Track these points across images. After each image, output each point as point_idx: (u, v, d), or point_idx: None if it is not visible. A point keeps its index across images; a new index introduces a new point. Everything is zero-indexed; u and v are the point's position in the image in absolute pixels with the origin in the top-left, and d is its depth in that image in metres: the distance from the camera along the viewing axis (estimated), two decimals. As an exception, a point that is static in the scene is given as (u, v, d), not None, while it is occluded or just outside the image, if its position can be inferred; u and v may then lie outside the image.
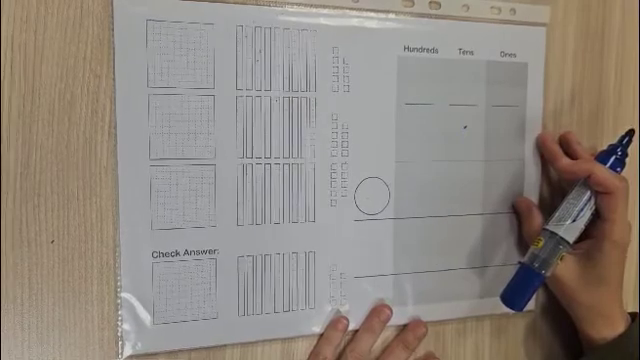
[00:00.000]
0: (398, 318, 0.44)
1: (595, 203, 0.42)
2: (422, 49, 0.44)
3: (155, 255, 0.38)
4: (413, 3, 0.43)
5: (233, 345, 0.40)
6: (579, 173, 0.42)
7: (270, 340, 0.41)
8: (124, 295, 0.38)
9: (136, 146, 0.37)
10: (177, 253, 0.39)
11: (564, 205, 0.43)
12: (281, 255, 0.41)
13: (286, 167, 0.41)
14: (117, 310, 0.38)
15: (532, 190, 0.48)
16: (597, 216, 0.43)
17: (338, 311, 0.43)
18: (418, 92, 0.44)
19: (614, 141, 0.44)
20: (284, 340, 0.42)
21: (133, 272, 0.38)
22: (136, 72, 0.37)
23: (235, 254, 0.40)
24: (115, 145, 0.37)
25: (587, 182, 0.42)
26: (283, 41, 0.40)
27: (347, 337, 0.43)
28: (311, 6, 0.40)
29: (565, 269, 0.43)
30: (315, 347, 0.42)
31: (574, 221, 0.42)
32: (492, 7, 0.45)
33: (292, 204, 0.41)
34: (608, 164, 0.43)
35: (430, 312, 0.45)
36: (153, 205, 0.38)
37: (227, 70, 0.39)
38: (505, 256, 0.47)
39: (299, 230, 0.41)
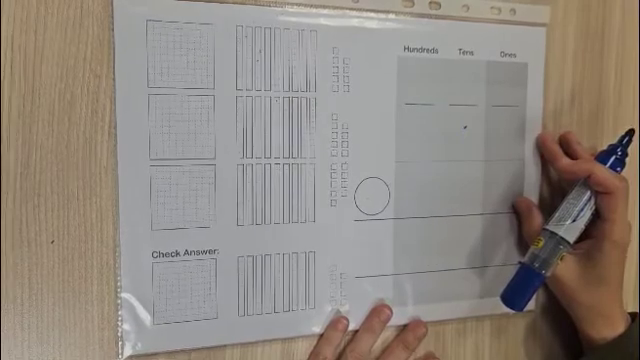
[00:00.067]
0: (398, 318, 0.44)
1: (595, 203, 0.42)
2: (422, 49, 0.44)
3: (155, 255, 0.38)
4: (413, 3, 0.43)
5: (233, 345, 0.40)
6: (579, 173, 0.42)
7: (270, 340, 0.41)
8: (124, 295, 0.38)
9: (136, 146, 0.37)
10: (177, 253, 0.39)
11: (564, 205, 0.43)
12: (281, 255, 0.41)
13: (286, 167, 0.41)
14: (117, 310, 0.38)
15: (532, 190, 0.48)
16: (597, 216, 0.43)
17: (338, 311, 0.43)
18: (418, 92, 0.44)
19: (614, 141, 0.44)
20: (284, 340, 0.42)
21: (133, 272, 0.38)
22: (136, 72, 0.37)
23: (235, 254, 0.40)
24: (115, 145, 0.37)
25: (587, 182, 0.42)
26: (283, 41, 0.40)
27: (347, 337, 0.43)
28: (311, 6, 0.40)
29: (565, 269, 0.43)
30: (315, 347, 0.42)
31: (574, 221, 0.42)
32: (492, 7, 0.45)
33: (292, 204, 0.41)
34: (608, 164, 0.43)
35: (430, 312, 0.45)
36: (153, 205, 0.38)
37: (227, 70, 0.39)
38: (505, 256, 0.47)
39: (299, 230, 0.41)
